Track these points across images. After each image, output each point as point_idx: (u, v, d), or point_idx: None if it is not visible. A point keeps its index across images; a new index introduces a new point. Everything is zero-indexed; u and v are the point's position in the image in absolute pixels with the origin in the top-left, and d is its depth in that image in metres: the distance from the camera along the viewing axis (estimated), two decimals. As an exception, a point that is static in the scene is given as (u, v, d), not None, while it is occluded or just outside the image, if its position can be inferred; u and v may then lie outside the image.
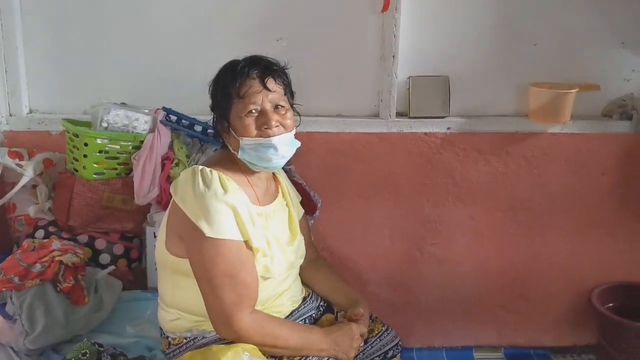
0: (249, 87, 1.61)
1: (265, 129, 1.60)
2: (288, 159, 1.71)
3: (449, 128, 2.45)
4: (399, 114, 2.48)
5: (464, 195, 2.53)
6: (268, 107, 1.61)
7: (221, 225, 1.53)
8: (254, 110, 1.61)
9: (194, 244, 1.56)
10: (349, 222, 2.55)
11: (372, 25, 2.40)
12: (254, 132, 1.61)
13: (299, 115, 1.78)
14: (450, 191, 2.53)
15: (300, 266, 1.88)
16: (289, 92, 1.72)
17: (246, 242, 1.58)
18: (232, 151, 1.67)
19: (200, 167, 1.61)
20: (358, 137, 2.45)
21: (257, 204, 1.68)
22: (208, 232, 1.52)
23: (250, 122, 1.61)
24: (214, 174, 1.59)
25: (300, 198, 1.99)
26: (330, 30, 2.42)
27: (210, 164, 1.68)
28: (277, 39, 2.40)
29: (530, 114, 2.44)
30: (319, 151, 2.45)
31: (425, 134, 2.46)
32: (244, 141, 1.61)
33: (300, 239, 1.83)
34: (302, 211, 1.97)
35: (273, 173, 1.84)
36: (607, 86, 2.48)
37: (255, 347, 1.57)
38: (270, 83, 1.63)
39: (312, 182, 2.36)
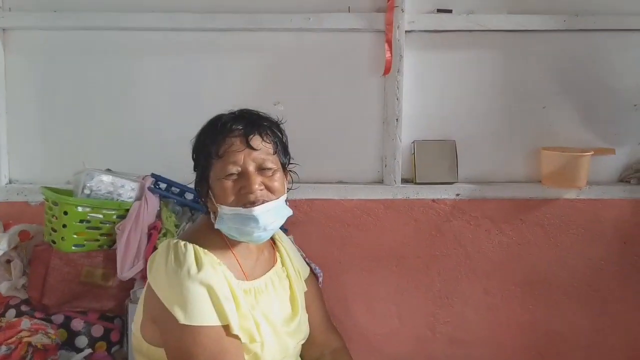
0: (230, 145, 1.40)
1: (245, 193, 1.38)
2: (274, 231, 1.48)
3: (458, 194, 2.33)
4: (404, 180, 2.38)
5: (477, 268, 2.38)
6: (251, 168, 1.39)
7: (196, 309, 1.31)
8: (234, 172, 1.39)
9: (168, 331, 1.34)
10: (352, 298, 2.38)
11: (374, 88, 2.35)
12: (234, 196, 1.39)
13: (294, 176, 1.56)
14: (462, 263, 2.38)
15: (314, 357, 1.65)
16: (281, 151, 1.48)
17: (227, 327, 1.35)
18: (212, 219, 1.46)
19: (175, 240, 1.41)
20: (361, 205, 2.34)
21: (243, 279, 1.46)
22: (182, 318, 1.30)
23: (229, 185, 1.39)
24: (189, 248, 1.37)
25: (309, 270, 1.73)
26: (329, 92, 2.36)
27: (190, 233, 1.49)
28: (274, 103, 2.33)
29: (543, 179, 2.34)
30: (319, 220, 2.31)
31: (434, 200, 2.34)
32: (222, 209, 1.40)
33: (302, 317, 1.59)
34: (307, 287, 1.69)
35: (272, 238, 1.61)
36: (621, 150, 2.41)
37: None
38: (255, 140, 1.41)
39: (312, 253, 2.19)
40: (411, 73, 2.32)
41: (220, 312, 1.33)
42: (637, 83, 2.38)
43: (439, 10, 2.30)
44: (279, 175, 1.44)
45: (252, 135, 1.40)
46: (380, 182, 2.38)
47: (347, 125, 2.36)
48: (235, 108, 1.50)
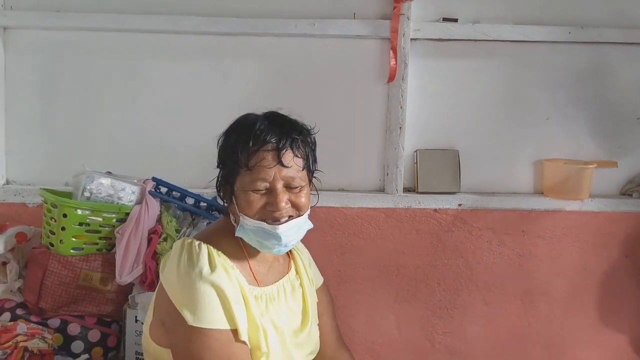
0: (261, 160, 1.34)
1: (271, 210, 1.35)
2: (294, 246, 1.45)
3: (460, 205, 2.30)
4: (406, 189, 2.35)
5: (477, 279, 2.35)
6: (279, 185, 1.35)
7: (206, 312, 1.29)
8: (262, 187, 1.35)
9: (176, 332, 1.32)
10: (351, 307, 2.34)
11: (378, 96, 2.31)
12: (258, 210, 1.36)
13: (316, 190, 1.49)
14: (463, 274, 2.35)
15: None
16: (311, 164, 1.43)
17: (235, 331, 1.33)
18: (232, 222, 1.43)
19: (190, 239, 1.40)
20: (362, 213, 2.30)
21: (255, 285, 1.43)
22: (191, 320, 1.29)
23: (256, 199, 1.35)
24: (203, 249, 1.36)
25: (322, 280, 1.68)
26: (333, 99, 2.32)
27: (206, 234, 1.46)
28: (276, 109, 2.27)
29: (546, 191, 2.32)
30: (320, 227, 2.27)
31: (435, 210, 2.30)
32: (245, 220, 1.37)
33: (312, 329, 1.54)
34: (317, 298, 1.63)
35: None
36: (624, 163, 2.39)
37: None
38: (287, 157, 1.35)
39: (313, 261, 2.16)
40: (415, 81, 2.29)
41: (229, 315, 1.32)
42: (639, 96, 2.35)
43: (444, 19, 2.27)
44: (306, 191, 1.40)
45: (284, 151, 1.35)
46: (382, 190, 2.34)
47: (349, 132, 2.32)
48: (264, 110, 1.43)
